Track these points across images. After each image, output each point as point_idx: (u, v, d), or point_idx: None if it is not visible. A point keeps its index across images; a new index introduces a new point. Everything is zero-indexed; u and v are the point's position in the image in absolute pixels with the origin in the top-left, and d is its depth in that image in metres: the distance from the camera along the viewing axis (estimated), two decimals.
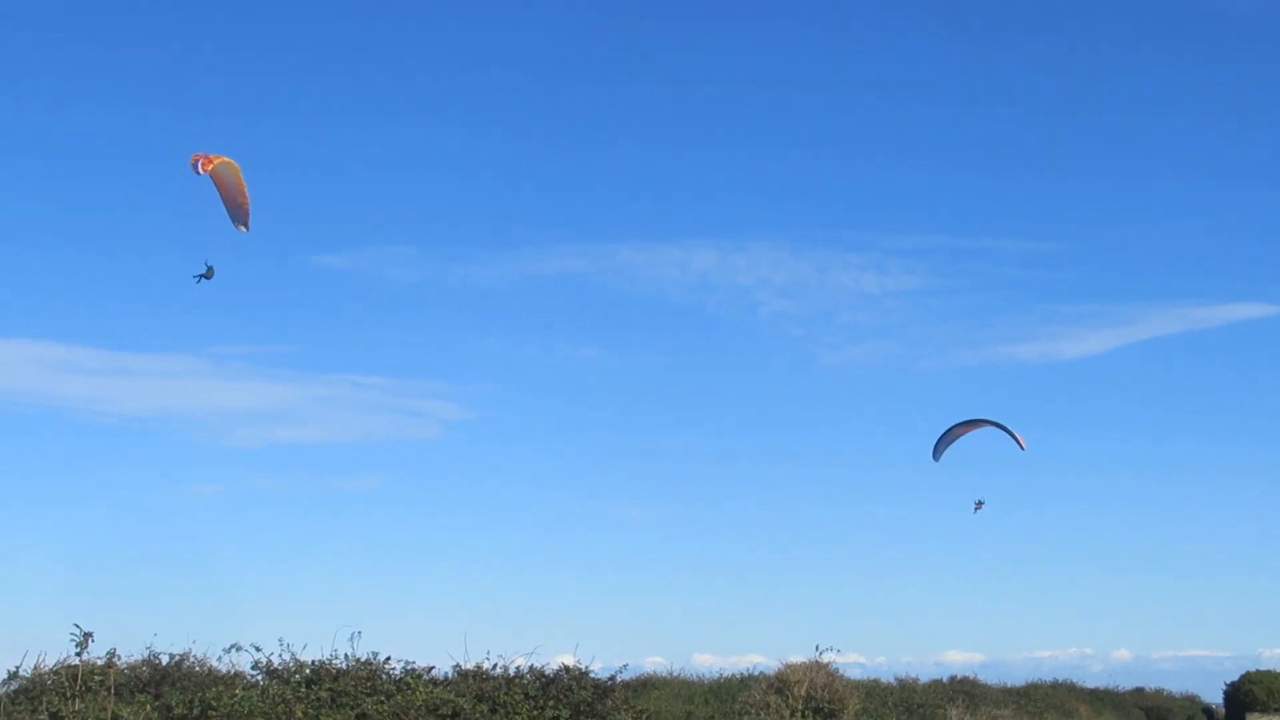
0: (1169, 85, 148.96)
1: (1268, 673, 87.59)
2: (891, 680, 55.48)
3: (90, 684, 29.98)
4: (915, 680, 56.59)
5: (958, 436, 41.39)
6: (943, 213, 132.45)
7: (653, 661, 75.13)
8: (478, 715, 32.35)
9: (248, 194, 32.20)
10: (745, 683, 42.44)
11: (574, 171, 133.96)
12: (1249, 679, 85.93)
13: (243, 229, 32.05)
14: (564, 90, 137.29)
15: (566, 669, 35.05)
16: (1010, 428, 39.70)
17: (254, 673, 33.15)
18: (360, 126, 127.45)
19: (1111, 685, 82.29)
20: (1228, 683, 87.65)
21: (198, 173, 30.35)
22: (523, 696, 33.31)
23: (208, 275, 33.01)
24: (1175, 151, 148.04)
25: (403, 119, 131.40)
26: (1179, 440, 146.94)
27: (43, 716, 29.26)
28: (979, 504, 43.04)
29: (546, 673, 35.11)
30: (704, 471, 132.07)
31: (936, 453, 41.51)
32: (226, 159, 31.14)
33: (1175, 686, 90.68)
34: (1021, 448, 39.65)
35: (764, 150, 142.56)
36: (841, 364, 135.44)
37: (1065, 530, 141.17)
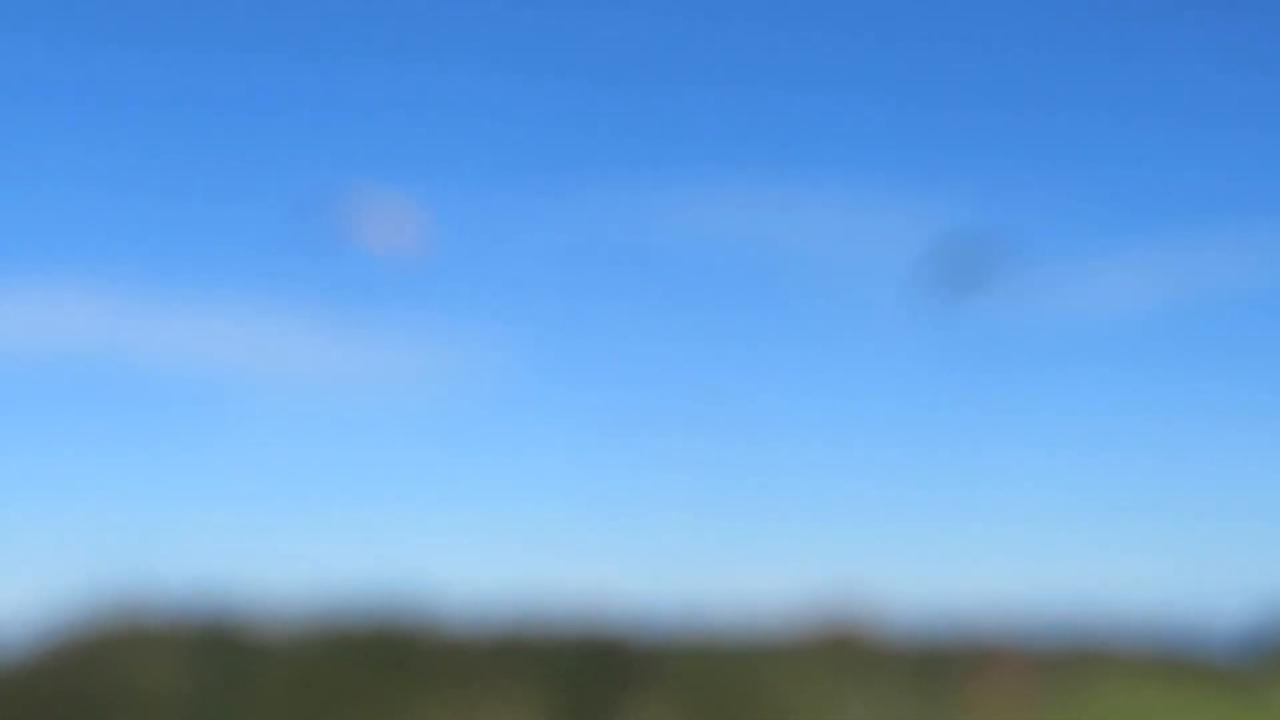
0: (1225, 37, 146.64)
1: None
2: (924, 621, 55.17)
3: (129, 637, 30.35)
4: (947, 631, 56.25)
5: (960, 278, 33.40)
6: (982, 155, 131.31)
7: (687, 588, 74.75)
8: (510, 676, 32.70)
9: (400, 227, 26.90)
10: (780, 640, 42.48)
11: (620, 117, 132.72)
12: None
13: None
14: (595, 28, 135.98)
15: (603, 637, 35.29)
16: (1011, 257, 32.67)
17: (290, 625, 33.43)
18: (400, 67, 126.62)
19: (1148, 636, 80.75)
20: (1255, 631, 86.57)
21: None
22: (556, 659, 33.64)
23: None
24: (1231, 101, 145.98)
25: (436, 59, 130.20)
26: (1233, 392, 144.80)
27: (93, 666, 29.68)
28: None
29: (580, 636, 35.33)
30: (741, 410, 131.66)
31: (940, 292, 33.33)
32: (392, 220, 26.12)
33: (1209, 631, 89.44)
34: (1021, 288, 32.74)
35: (797, 94, 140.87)
36: (880, 310, 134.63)
37: (1112, 464, 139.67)
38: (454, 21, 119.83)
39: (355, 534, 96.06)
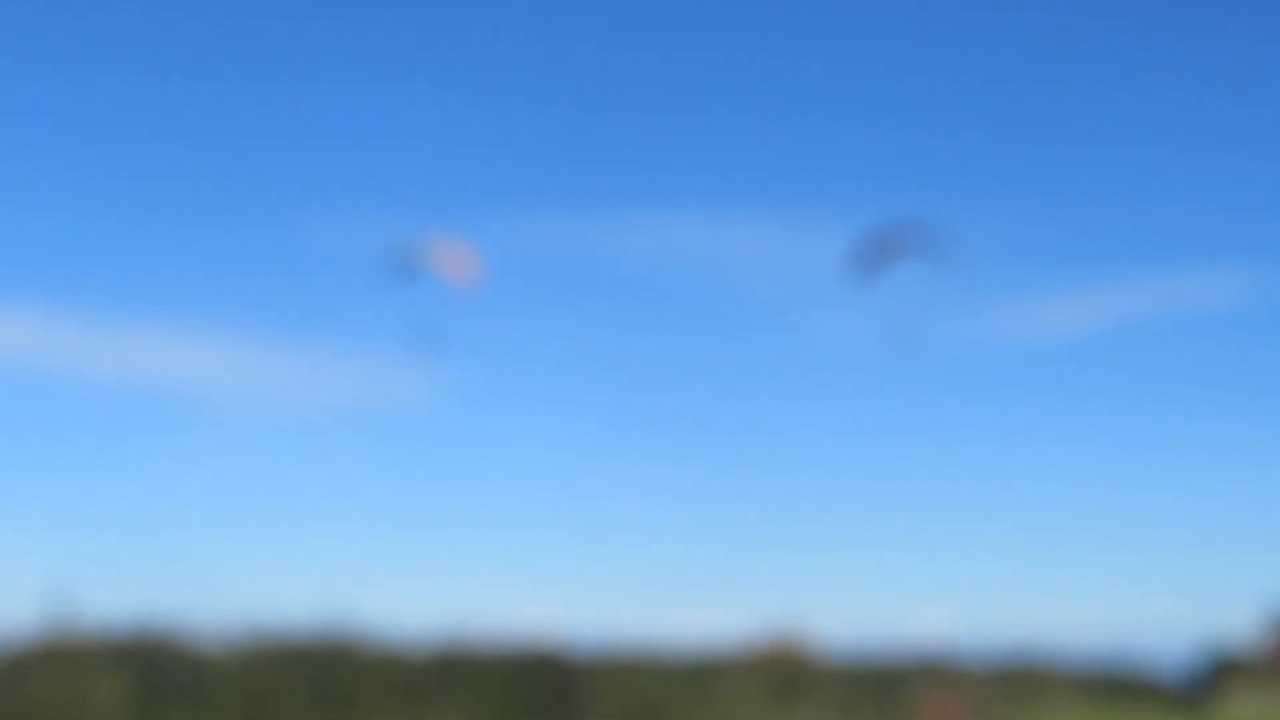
0: (1166, 58, 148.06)
1: (1236, 651, 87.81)
2: (864, 646, 55.47)
3: (71, 652, 30.17)
4: (887, 655, 56.56)
5: (886, 254, 32.82)
6: (935, 182, 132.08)
7: (628, 615, 74.97)
8: (452, 691, 32.61)
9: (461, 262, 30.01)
10: (720, 658, 42.59)
11: (559, 139, 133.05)
12: (1216, 657, 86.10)
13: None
14: (542, 55, 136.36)
15: (543, 653, 35.30)
16: (942, 243, 32.37)
17: (231, 642, 33.28)
18: (344, 92, 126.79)
19: (1082, 656, 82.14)
20: (1196, 659, 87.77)
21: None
22: (498, 673, 33.60)
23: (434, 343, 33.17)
24: (1166, 123, 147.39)
25: (382, 84, 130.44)
26: (1158, 419, 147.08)
27: (23, 684, 29.44)
28: (907, 334, 34.29)
29: (523, 652, 35.35)
30: (685, 439, 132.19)
31: (856, 271, 32.83)
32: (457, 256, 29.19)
33: (1144, 661, 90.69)
34: (958, 284, 32.46)
35: (749, 119, 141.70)
36: (822, 334, 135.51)
37: (1033, 503, 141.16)
38: (397, 45, 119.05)
39: (300, 554, 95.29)
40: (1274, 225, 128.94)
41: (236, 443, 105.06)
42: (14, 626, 30.88)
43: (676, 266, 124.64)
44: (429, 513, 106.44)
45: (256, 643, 33.36)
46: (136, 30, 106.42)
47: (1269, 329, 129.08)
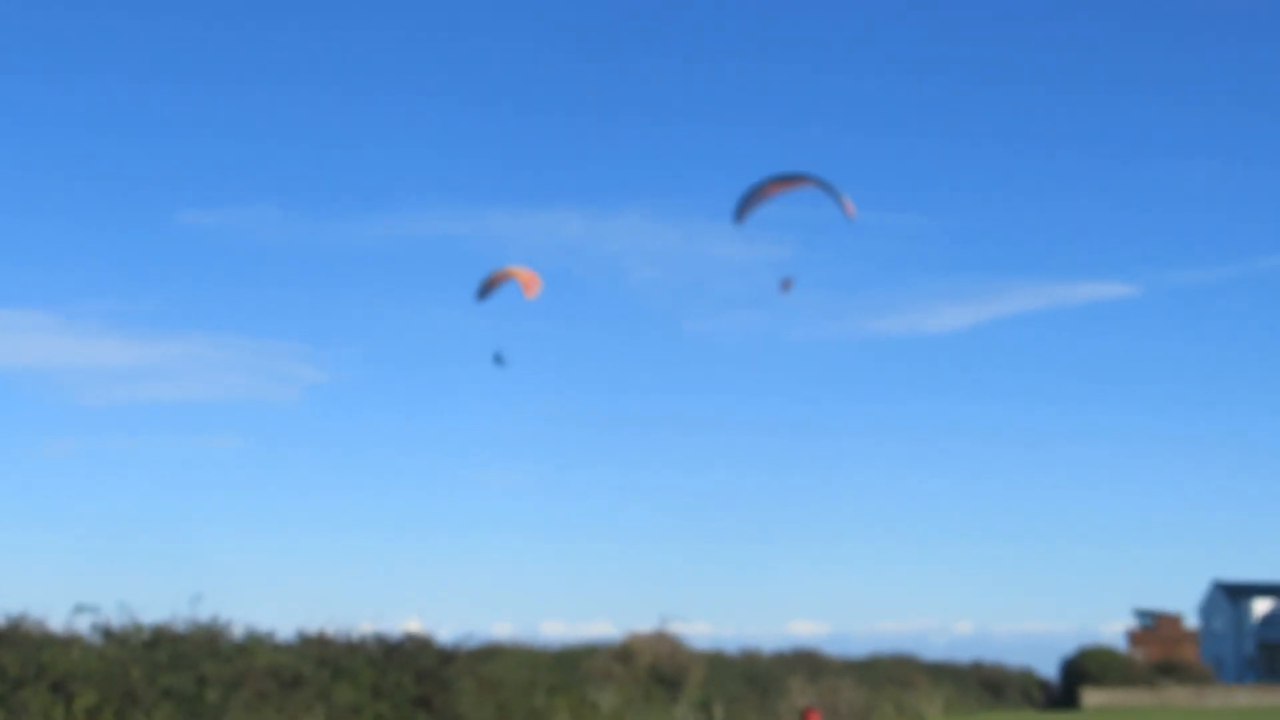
0: (1045, 57, 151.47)
1: (1103, 648, 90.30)
2: (737, 650, 56.23)
3: None
4: (759, 651, 57.38)
5: (769, 196, 34.58)
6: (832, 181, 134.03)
7: (500, 628, 75.10)
8: (319, 681, 32.22)
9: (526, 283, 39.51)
10: (590, 652, 42.81)
11: (446, 134, 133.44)
12: (1085, 654, 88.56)
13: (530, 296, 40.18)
14: (440, 53, 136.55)
15: (410, 636, 35.11)
16: (836, 190, 33.95)
17: (92, 635, 32.63)
18: (230, 85, 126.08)
19: (952, 657, 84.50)
20: (1064, 656, 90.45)
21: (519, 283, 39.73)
22: (365, 663, 33.24)
23: (499, 360, 40.22)
24: (1052, 126, 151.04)
25: (271, 78, 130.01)
26: (1033, 415, 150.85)
27: None
28: (787, 283, 36.25)
29: (391, 639, 35.09)
30: (562, 437, 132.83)
31: (740, 214, 34.58)
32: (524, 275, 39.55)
33: (1014, 660, 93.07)
34: (848, 215, 34.10)
35: (634, 119, 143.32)
36: (708, 333, 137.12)
37: (912, 502, 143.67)
38: (276, 42, 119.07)
39: (167, 545, 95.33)
40: (1156, 230, 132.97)
41: (106, 433, 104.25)
42: None
43: (562, 260, 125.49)
44: (297, 509, 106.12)
45: (120, 633, 32.84)
46: (8, 27, 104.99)
47: (1151, 327, 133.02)
